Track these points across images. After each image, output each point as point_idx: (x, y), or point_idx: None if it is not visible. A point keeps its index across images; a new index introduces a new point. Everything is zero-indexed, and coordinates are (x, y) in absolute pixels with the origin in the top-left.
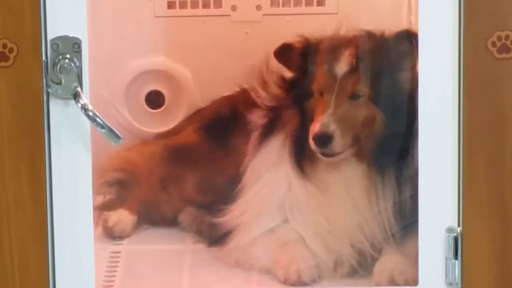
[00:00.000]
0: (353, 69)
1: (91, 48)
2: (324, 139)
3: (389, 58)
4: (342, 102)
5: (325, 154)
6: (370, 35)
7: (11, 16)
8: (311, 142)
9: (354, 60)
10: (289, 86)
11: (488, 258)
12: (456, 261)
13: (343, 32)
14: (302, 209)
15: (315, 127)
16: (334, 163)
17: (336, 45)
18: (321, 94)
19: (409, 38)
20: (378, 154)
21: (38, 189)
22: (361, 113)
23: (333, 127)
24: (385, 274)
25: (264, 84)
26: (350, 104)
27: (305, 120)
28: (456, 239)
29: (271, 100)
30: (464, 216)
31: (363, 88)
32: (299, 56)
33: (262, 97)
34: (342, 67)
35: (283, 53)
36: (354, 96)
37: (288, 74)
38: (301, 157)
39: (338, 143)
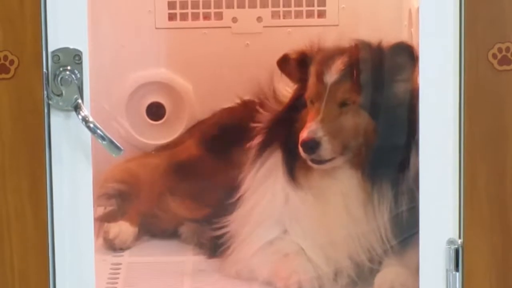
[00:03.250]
0: (344, 77)
1: (92, 60)
2: (310, 145)
3: (383, 69)
4: (332, 109)
5: (314, 161)
6: (364, 45)
7: (12, 28)
8: (300, 149)
9: (345, 68)
10: (290, 96)
11: (489, 270)
12: (457, 273)
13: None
14: (300, 220)
15: (303, 134)
16: (330, 172)
17: (330, 55)
18: (312, 102)
19: (404, 50)
20: (373, 163)
21: (38, 200)
22: (351, 121)
23: (320, 134)
24: (386, 285)
25: (265, 96)
26: (341, 112)
27: (299, 130)
28: (457, 251)
29: (271, 111)
30: (465, 228)
31: (354, 97)
32: (297, 67)
33: (263, 108)
34: (332, 75)
35: (284, 64)
36: (344, 104)
37: (290, 85)
38: (297, 168)
39: (326, 149)
